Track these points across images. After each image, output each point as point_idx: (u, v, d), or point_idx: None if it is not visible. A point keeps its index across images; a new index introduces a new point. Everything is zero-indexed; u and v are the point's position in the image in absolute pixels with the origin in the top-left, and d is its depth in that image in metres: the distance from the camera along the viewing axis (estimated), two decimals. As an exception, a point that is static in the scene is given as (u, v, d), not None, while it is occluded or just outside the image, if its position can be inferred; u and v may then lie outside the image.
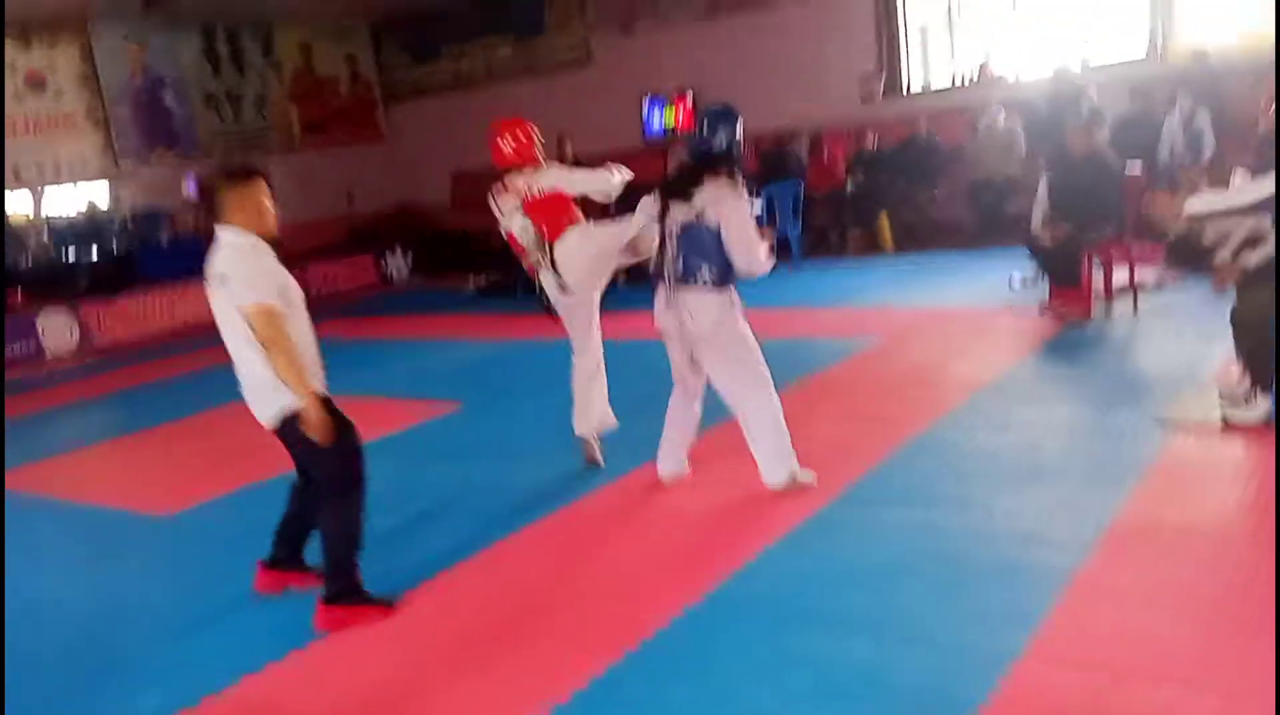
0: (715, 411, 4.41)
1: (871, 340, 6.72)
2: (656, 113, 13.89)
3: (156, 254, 12.98)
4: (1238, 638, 2.72)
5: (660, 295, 4.22)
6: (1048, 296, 7.09)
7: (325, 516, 3.53)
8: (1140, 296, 6.88)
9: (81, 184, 13.44)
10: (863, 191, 11.40)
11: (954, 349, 6.37)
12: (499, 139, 4.78)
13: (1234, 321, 4.45)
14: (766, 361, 4.17)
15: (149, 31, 13.84)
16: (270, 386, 3.39)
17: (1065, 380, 5.57)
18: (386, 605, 3.55)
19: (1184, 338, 5.90)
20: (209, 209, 3.58)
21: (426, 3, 15.25)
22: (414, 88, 16.66)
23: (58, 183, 13.13)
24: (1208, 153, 8.99)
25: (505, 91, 15.30)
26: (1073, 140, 7.08)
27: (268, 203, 3.48)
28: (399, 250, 14.99)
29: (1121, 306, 6.83)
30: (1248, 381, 4.41)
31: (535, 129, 4.85)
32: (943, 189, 11.19)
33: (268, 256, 3.44)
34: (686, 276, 4.08)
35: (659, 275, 4.22)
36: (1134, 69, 10.24)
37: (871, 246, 11.24)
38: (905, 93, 12.21)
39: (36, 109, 12.87)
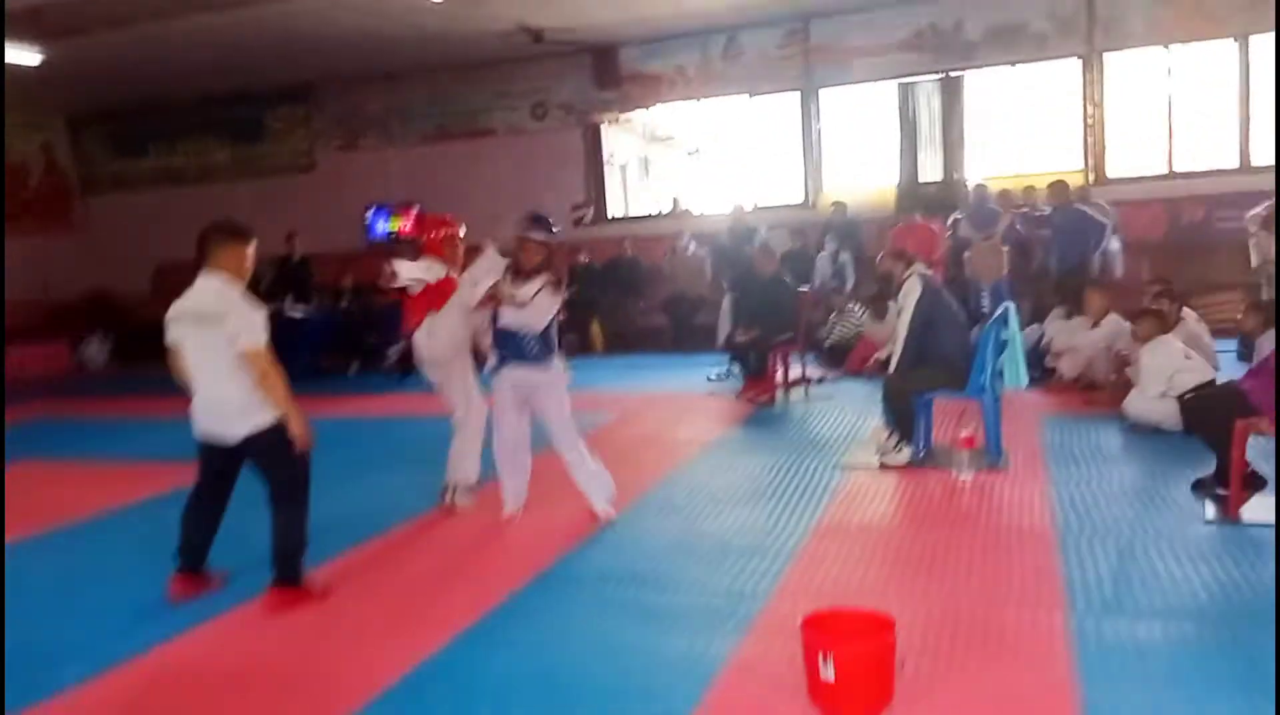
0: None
1: (607, 415, 7.99)
2: (381, 220, 14.73)
3: None
4: (906, 573, 4.13)
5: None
6: (742, 386, 8.76)
7: (281, 517, 4.13)
8: (810, 386, 8.74)
9: None
10: (577, 300, 12.88)
11: (675, 421, 7.79)
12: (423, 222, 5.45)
13: (884, 396, 6.16)
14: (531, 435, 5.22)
15: None
16: (243, 409, 4.03)
17: (765, 441, 7.08)
18: (320, 592, 4.20)
19: (845, 412, 7.70)
20: (199, 254, 4.13)
21: (130, 98, 15.16)
22: (116, 180, 16.33)
23: None
24: (850, 282, 11.37)
25: (220, 190, 15.50)
26: (759, 263, 8.92)
27: (251, 260, 4.17)
28: (98, 336, 14.54)
29: (796, 393, 8.62)
30: (895, 436, 6.09)
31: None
32: (645, 301, 12.94)
33: (256, 304, 4.09)
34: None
35: None
36: (793, 213, 12.63)
37: (584, 347, 12.70)
38: (609, 219, 14.02)
39: None
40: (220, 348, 4.02)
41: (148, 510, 6.06)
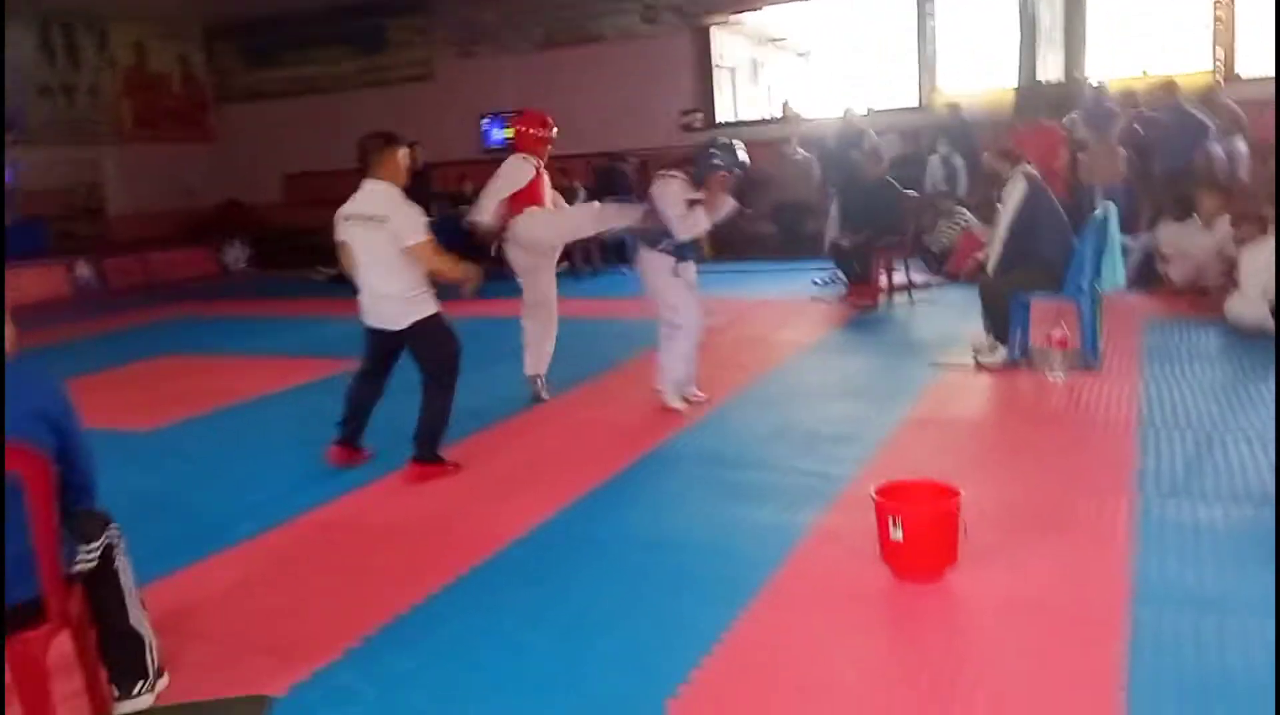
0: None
1: (715, 318, 8.30)
2: (496, 128, 15.15)
3: None
4: (986, 461, 4.40)
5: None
6: (846, 290, 8.95)
7: (431, 397, 4.68)
8: (914, 291, 8.87)
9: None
10: (685, 207, 13.13)
11: (779, 324, 8.08)
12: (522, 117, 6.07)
13: (982, 298, 6.31)
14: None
15: (-14, 17, 13.76)
16: (405, 302, 4.55)
17: (864, 343, 7.32)
18: (455, 466, 4.73)
19: (947, 316, 7.84)
20: (360, 163, 4.57)
21: (263, 10, 15.83)
22: (249, 91, 17.13)
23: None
24: (962, 187, 11.27)
25: (346, 100, 16.13)
26: (867, 166, 9.00)
27: (405, 163, 4.61)
28: (236, 243, 15.46)
29: (900, 298, 8.77)
30: (990, 338, 6.26)
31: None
32: (751, 208, 13.08)
33: (413, 204, 4.56)
34: None
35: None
36: (904, 116, 12.50)
37: (692, 255, 12.97)
38: (718, 125, 14.10)
39: None
40: (384, 246, 4.48)
41: (294, 396, 6.75)
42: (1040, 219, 6.02)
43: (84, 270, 13.07)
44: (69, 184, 15.42)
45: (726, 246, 12.93)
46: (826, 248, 10.23)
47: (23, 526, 2.33)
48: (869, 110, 12.42)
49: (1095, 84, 10.66)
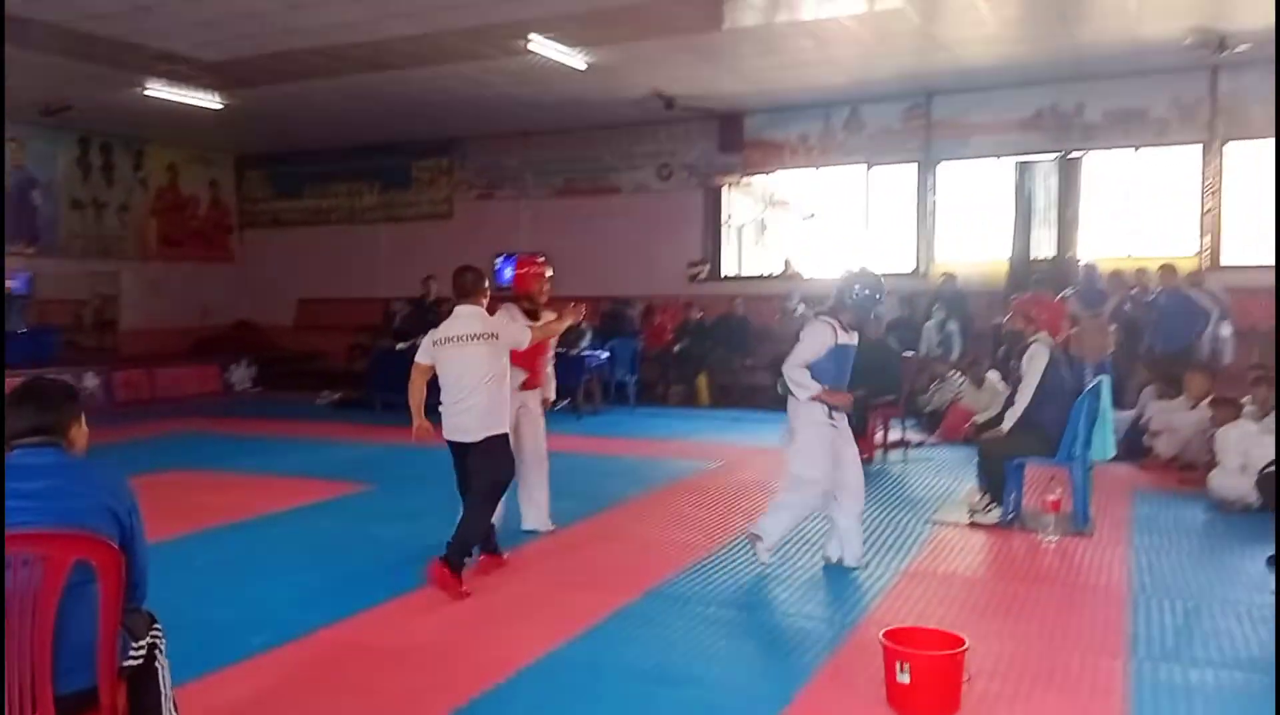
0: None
1: (716, 463, 8.52)
2: (509, 267, 15.66)
3: (12, 339, 13.24)
4: (983, 615, 4.53)
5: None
6: (843, 443, 9.16)
7: (473, 508, 5.00)
8: (908, 449, 9.10)
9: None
10: (686, 354, 13.52)
11: (775, 472, 8.16)
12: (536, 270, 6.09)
13: (979, 457, 6.54)
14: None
15: (29, 134, 14.44)
16: (492, 414, 4.95)
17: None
18: (466, 592, 4.87)
19: (940, 475, 8.07)
20: (457, 290, 5.13)
21: (295, 143, 16.62)
22: (272, 217, 17.77)
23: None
24: (955, 351, 11.67)
25: (364, 232, 16.77)
26: (866, 328, 9.35)
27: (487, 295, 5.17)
28: (243, 362, 15.72)
29: (895, 455, 8.99)
30: (986, 497, 6.46)
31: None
32: (753, 358, 13.46)
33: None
34: None
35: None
36: (903, 281, 13.00)
37: (690, 400, 13.27)
38: (723, 277, 14.64)
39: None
40: (484, 361, 4.97)
41: (300, 515, 6.88)
42: (1049, 386, 6.28)
43: (91, 381, 13.27)
44: (83, 296, 15.82)
45: (724, 395, 13.27)
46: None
47: (88, 617, 2.46)
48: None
49: (1087, 263, 11.19)
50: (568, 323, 5.55)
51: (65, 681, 2.43)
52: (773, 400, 12.66)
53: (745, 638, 4.29)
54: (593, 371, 12.33)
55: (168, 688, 2.82)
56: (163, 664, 2.80)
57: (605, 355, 12.55)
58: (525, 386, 5.94)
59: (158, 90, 12.28)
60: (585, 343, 12.54)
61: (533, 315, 5.76)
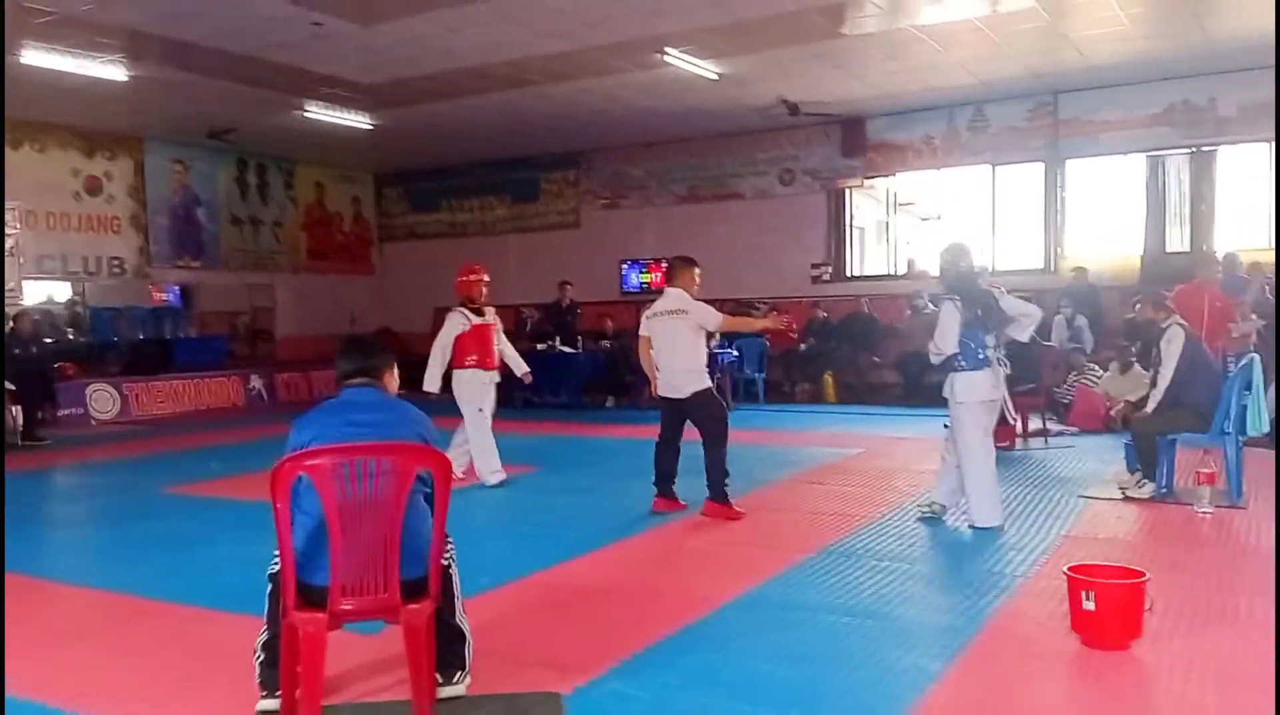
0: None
1: (857, 450, 8.86)
2: (635, 272, 16.26)
3: (185, 345, 14.43)
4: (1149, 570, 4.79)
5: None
6: (981, 431, 9.38)
7: (712, 453, 6.13)
8: (1048, 437, 9.27)
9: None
10: (812, 353, 13.85)
11: (918, 457, 8.54)
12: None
13: (1132, 434, 6.75)
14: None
15: (194, 156, 15.68)
16: (689, 377, 6.04)
17: (1007, 475, 7.65)
18: (741, 513, 6.09)
19: (1082, 460, 8.24)
20: (665, 275, 6.21)
21: (429, 161, 17.55)
22: (409, 231, 18.76)
23: (98, 276, 14.52)
24: (1088, 346, 11.72)
25: (496, 243, 17.57)
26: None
27: (698, 279, 6.23)
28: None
29: (1035, 442, 9.17)
30: (1139, 475, 6.65)
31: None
32: (879, 355, 13.71)
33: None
34: None
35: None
36: (1031, 277, 13.09)
37: (817, 397, 13.58)
38: (847, 277, 14.92)
39: (90, 210, 14.40)
40: (681, 333, 6.14)
41: (480, 489, 7.45)
42: (1194, 366, 6.48)
43: (256, 383, 14.33)
44: (241, 307, 17.03)
45: (850, 392, 13.55)
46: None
47: (418, 518, 3.01)
48: (994, 270, 13.06)
49: (1228, 253, 11.12)
50: (766, 324, 7.03)
51: (413, 569, 2.97)
52: (899, 397, 12.96)
53: (922, 584, 4.65)
54: (724, 369, 12.77)
55: (459, 590, 3.35)
56: (454, 570, 3.34)
57: (735, 353, 12.98)
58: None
59: (316, 112, 13.23)
60: (714, 342, 13.01)
61: (477, 313, 7.49)
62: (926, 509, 6.16)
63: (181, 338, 14.80)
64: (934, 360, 5.97)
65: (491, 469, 7.54)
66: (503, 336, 7.82)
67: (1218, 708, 3.21)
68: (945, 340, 5.80)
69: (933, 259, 14.38)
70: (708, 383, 6.24)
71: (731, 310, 14.09)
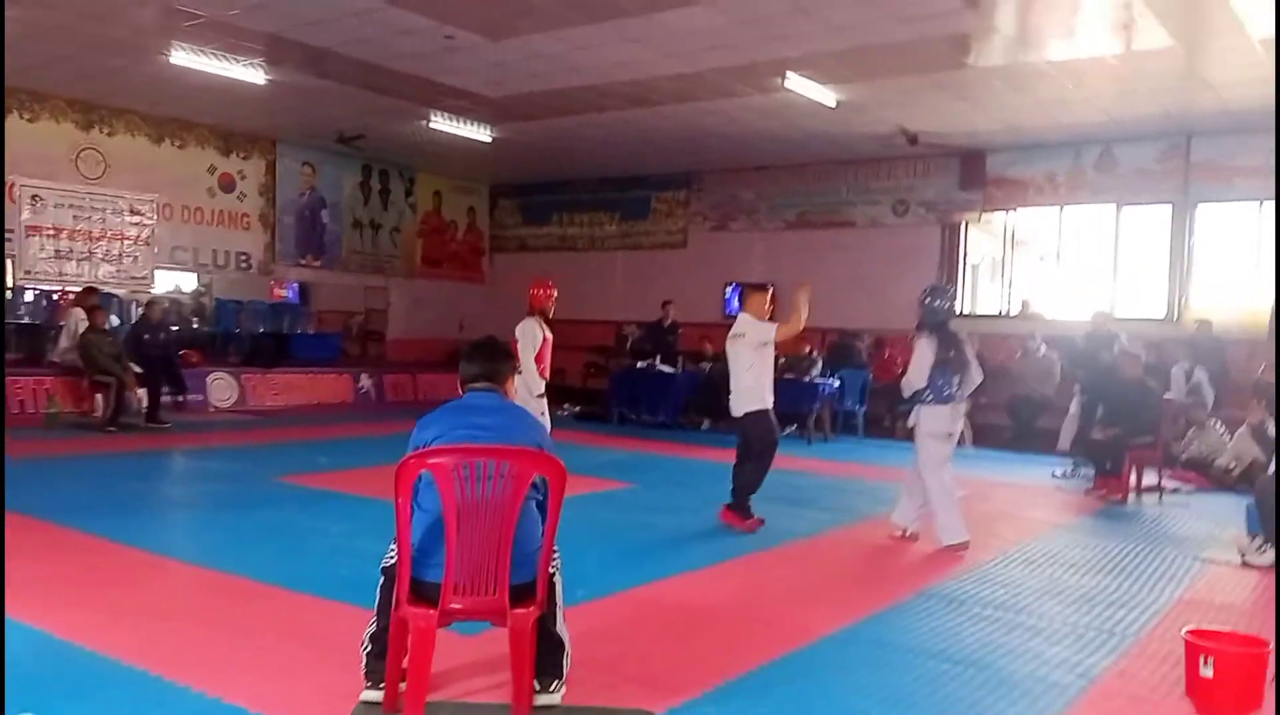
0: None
1: (960, 493, 8.58)
2: (737, 296, 16.21)
3: (301, 341, 14.97)
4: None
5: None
6: (1092, 483, 9.08)
7: (749, 465, 6.25)
8: (1163, 492, 8.91)
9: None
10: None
11: (1024, 503, 8.32)
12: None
13: (1256, 497, 6.44)
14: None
15: (323, 160, 16.30)
16: (745, 395, 6.16)
17: (1119, 530, 7.45)
18: (757, 520, 6.43)
19: (1201, 518, 7.88)
20: (741, 300, 6.52)
21: (545, 175, 17.88)
22: (519, 242, 19.12)
23: (225, 269, 15.21)
24: (1209, 401, 11.23)
25: (604, 259, 17.77)
26: (1125, 366, 9.27)
27: (768, 305, 6.45)
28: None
29: (1149, 498, 8.82)
30: (1260, 539, 6.34)
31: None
32: (986, 397, 13.35)
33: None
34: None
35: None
36: (1151, 326, 12.63)
37: (920, 435, 13.30)
38: (960, 315, 14.60)
39: (223, 206, 15.09)
40: (740, 357, 6.49)
41: (580, 502, 7.42)
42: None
43: (366, 381, 14.77)
44: (356, 307, 17.62)
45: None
46: (1068, 444, 10.43)
47: (530, 524, 3.07)
48: (1112, 317, 12.62)
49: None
50: (798, 303, 6.45)
51: (513, 574, 3.03)
52: (1008, 440, 12.60)
53: (1027, 634, 4.52)
54: (824, 399, 12.64)
55: (562, 600, 3.39)
56: (559, 579, 3.38)
57: (836, 384, 12.84)
58: None
59: (440, 123, 13.62)
60: (816, 371, 12.89)
61: (550, 325, 7.39)
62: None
63: (298, 333, 15.40)
64: (905, 393, 6.37)
65: None
66: None
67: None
68: (919, 374, 6.25)
69: (1049, 301, 14.12)
70: (761, 405, 6.48)
71: (833, 341, 14.32)
